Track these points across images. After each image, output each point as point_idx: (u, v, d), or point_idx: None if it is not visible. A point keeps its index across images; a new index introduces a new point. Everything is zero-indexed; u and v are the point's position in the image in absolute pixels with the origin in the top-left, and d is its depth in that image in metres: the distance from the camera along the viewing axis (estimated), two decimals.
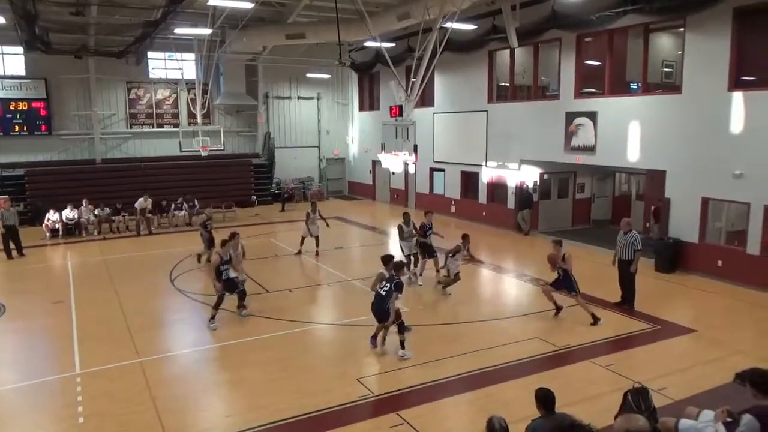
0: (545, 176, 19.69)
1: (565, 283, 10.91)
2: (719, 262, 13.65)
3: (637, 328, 10.53)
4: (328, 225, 17.38)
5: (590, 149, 16.79)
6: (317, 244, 16.66)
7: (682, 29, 14.45)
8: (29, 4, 15.67)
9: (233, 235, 12.19)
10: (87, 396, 8.03)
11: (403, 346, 9.26)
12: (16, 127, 23.95)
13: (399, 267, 9.64)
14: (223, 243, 11.49)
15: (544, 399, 5.03)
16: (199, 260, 15.60)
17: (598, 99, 16.89)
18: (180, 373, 8.96)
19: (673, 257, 14.38)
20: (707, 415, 5.17)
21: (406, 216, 14.27)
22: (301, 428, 7.23)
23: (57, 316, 11.58)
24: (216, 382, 8.65)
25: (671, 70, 17.52)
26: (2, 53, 23.68)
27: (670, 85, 16.78)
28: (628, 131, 15.69)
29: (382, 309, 9.23)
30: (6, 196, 20.45)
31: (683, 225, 14.44)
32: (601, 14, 15.34)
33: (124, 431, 7.12)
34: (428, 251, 13.82)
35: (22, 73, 24.08)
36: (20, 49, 22.82)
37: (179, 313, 12.02)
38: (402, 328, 9.36)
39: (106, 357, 9.35)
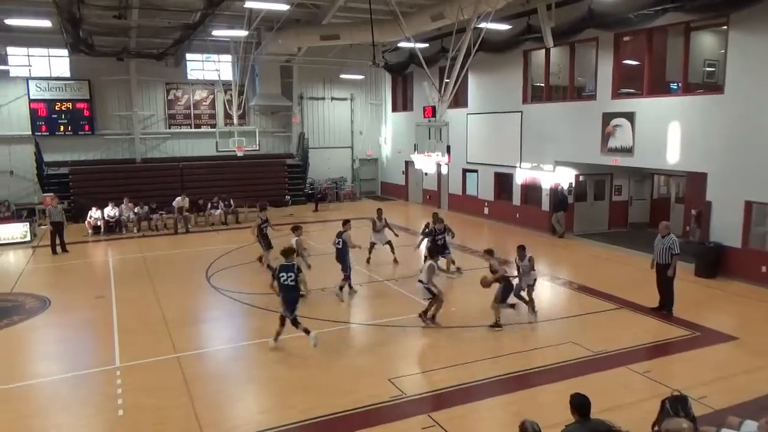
0: (581, 178, 19.37)
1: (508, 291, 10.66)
2: (763, 268, 13.21)
3: (675, 335, 10.26)
4: (396, 235, 16.37)
5: (628, 151, 16.45)
6: (392, 251, 15.67)
7: (725, 27, 14.02)
8: (74, 8, 16.21)
9: (297, 228, 12.87)
10: (126, 389, 8.27)
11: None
12: (61, 127, 24.80)
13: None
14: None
15: (580, 404, 4.95)
16: (260, 261, 15.27)
17: (637, 99, 16.53)
18: (215, 369, 9.14)
19: (714, 262, 13.97)
20: (750, 425, 5.03)
21: (379, 211, 15.96)
22: (333, 427, 7.29)
23: (98, 310, 11.95)
24: (249, 379, 8.79)
25: (713, 69, 17.03)
26: (49, 56, 24.53)
27: (712, 84, 16.31)
28: (668, 132, 15.31)
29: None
30: (52, 194, 21.23)
31: (725, 229, 14.02)
32: (640, 13, 15.00)
33: (162, 424, 7.30)
34: (439, 251, 13.71)
35: (67, 74, 24.91)
36: (65, 52, 23.64)
37: (214, 311, 12.25)
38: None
39: (145, 351, 9.61)
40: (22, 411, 7.77)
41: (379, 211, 16.17)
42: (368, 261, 15.66)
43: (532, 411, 7.49)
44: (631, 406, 7.52)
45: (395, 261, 15.70)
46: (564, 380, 8.25)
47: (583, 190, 19.58)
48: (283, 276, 9.45)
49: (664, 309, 11.26)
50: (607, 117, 17.00)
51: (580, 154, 18.21)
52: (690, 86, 15.70)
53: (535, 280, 11.62)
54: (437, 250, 13.63)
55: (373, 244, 15.84)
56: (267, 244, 15.02)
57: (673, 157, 15.31)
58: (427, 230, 14.78)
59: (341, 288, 12.63)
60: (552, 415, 6.37)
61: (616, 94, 17.07)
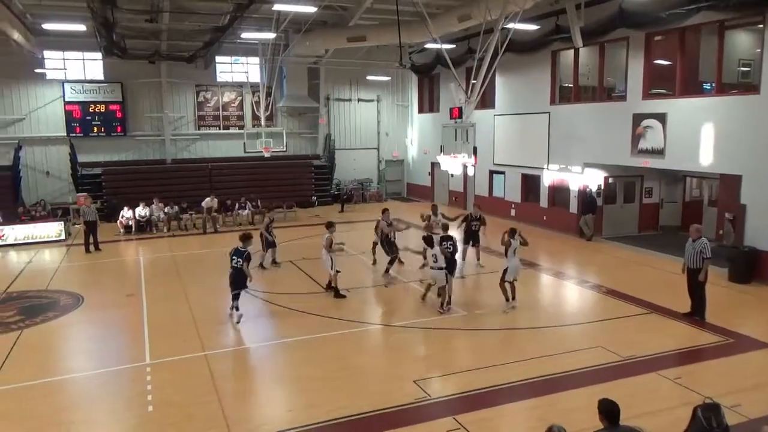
0: (610, 180, 19.06)
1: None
2: None
3: (708, 341, 10.02)
4: (399, 229, 15.60)
5: (659, 152, 16.13)
6: (374, 250, 15.71)
7: (761, 26, 13.66)
8: (108, 12, 16.61)
9: (331, 225, 13.34)
10: (156, 386, 8.43)
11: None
12: (95, 129, 25.44)
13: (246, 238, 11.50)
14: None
15: (609, 411, 4.87)
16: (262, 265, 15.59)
17: (668, 100, 16.20)
18: (242, 367, 9.27)
19: (748, 267, 13.60)
20: None
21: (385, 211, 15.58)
22: (358, 428, 7.31)
23: (129, 308, 12.21)
24: (276, 378, 8.88)
25: (748, 69, 16.58)
26: (83, 59, 25.19)
27: (748, 85, 15.87)
28: (701, 133, 14.97)
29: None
30: (86, 194, 21.79)
31: (760, 233, 13.65)
32: (673, 12, 14.72)
33: (190, 421, 7.42)
34: (473, 237, 15.12)
35: (101, 77, 25.55)
36: (99, 55, 24.24)
37: (242, 309, 12.34)
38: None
39: (174, 349, 9.78)
40: (58, 404, 8.00)
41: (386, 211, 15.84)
42: (374, 263, 15.67)
43: (558, 416, 7.40)
44: (661, 413, 7.37)
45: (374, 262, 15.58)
46: (592, 385, 8.13)
47: (612, 192, 19.26)
48: (234, 259, 11.05)
49: (695, 314, 11.01)
50: (638, 118, 16.70)
51: (609, 155, 17.93)
52: (724, 86, 15.31)
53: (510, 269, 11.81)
54: (471, 236, 14.47)
55: (375, 243, 15.72)
56: (269, 244, 15.49)
57: (706, 158, 14.96)
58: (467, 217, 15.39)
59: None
60: (579, 421, 6.29)
61: (647, 95, 16.76)
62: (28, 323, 11.34)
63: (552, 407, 7.66)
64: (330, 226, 13.27)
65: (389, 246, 14.65)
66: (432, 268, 11.59)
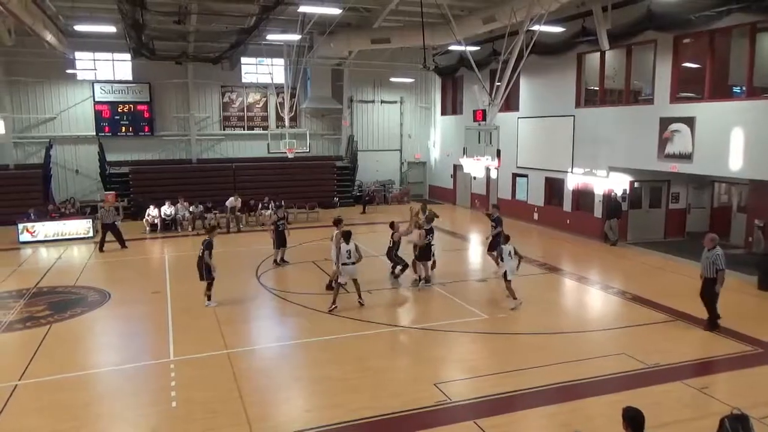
0: (636, 184, 18.78)
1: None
2: None
3: (736, 350, 9.80)
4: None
5: (687, 157, 15.85)
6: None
7: None
8: (138, 14, 16.93)
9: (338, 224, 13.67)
10: (179, 382, 8.56)
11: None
12: (123, 128, 25.94)
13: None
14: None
15: (633, 419, 4.79)
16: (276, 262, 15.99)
17: (697, 104, 15.90)
18: (263, 366, 9.34)
19: None
20: None
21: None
22: (378, 430, 7.33)
23: (154, 305, 12.42)
24: (297, 378, 8.93)
25: None
26: (113, 60, 25.71)
27: None
28: (730, 138, 14.66)
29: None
30: (113, 192, 22.22)
31: None
32: (702, 14, 14.47)
33: (213, 418, 7.52)
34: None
35: (130, 78, 26.03)
36: (128, 56, 24.71)
37: (263, 309, 12.53)
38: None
39: (197, 346, 9.92)
40: (85, 398, 8.18)
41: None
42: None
43: (581, 423, 7.34)
44: (687, 423, 7.25)
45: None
46: (615, 392, 8.03)
47: (637, 196, 18.97)
48: (201, 248, 12.02)
49: (715, 327, 10.69)
50: (665, 122, 16.43)
51: (635, 159, 17.67)
52: (755, 90, 14.99)
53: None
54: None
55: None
56: (280, 242, 15.78)
57: (735, 164, 14.65)
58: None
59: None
60: (602, 428, 6.23)
61: (675, 99, 16.49)
62: (57, 318, 11.61)
63: (574, 414, 7.58)
64: (339, 223, 13.44)
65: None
66: (344, 264, 11.87)
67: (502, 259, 12.24)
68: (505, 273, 12.08)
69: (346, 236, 12.10)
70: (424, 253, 13.53)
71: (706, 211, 19.56)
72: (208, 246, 12.09)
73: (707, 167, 15.65)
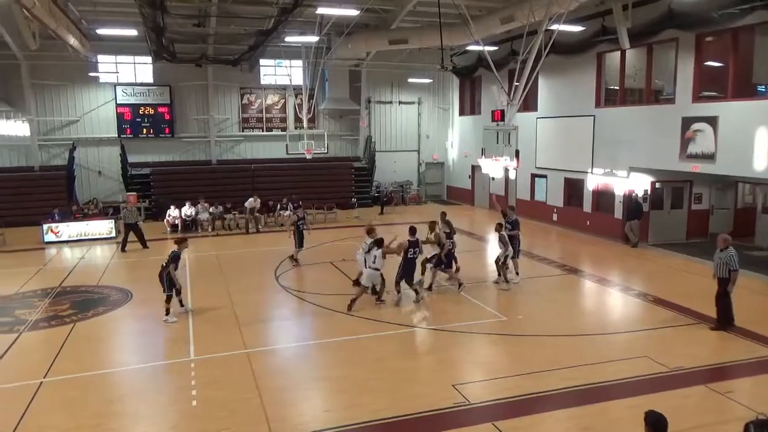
0: (657, 185, 18.52)
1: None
2: None
3: (761, 354, 9.60)
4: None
5: (709, 157, 15.58)
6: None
7: None
8: (159, 18, 17.16)
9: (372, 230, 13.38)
10: (199, 381, 8.65)
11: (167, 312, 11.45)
12: (144, 130, 26.30)
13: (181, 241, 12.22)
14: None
15: (656, 423, 4.72)
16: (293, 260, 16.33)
17: (720, 103, 15.63)
18: (283, 366, 9.40)
19: None
20: None
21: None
22: (396, 430, 7.33)
23: (175, 304, 12.48)
24: (316, 378, 8.97)
25: None
26: (134, 63, 26.08)
27: None
28: (755, 137, 14.38)
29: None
30: (134, 193, 22.54)
31: None
32: (725, 12, 14.22)
33: (232, 417, 7.58)
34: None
35: (151, 80, 26.38)
36: (149, 59, 25.04)
37: (282, 309, 12.59)
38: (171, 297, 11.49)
39: (217, 346, 10.01)
40: (108, 396, 8.31)
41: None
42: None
43: (602, 426, 7.27)
44: (710, 428, 7.13)
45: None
46: (637, 396, 7.91)
47: (659, 197, 18.71)
48: (166, 260, 11.59)
49: (723, 328, 10.55)
50: (687, 121, 16.18)
51: (656, 160, 17.43)
52: None
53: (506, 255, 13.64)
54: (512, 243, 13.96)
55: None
56: (299, 242, 16.04)
57: (760, 164, 14.36)
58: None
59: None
60: None
61: (697, 98, 16.23)
62: (81, 317, 11.81)
63: (596, 417, 7.50)
64: (371, 232, 13.15)
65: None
66: (370, 268, 12.01)
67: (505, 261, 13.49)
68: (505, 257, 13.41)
69: (379, 243, 12.16)
70: (446, 260, 13.41)
71: (730, 212, 19.23)
72: (175, 258, 11.49)
73: (731, 167, 15.37)
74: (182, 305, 11.95)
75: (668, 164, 16.97)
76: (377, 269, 12.04)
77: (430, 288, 13.42)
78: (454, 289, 13.40)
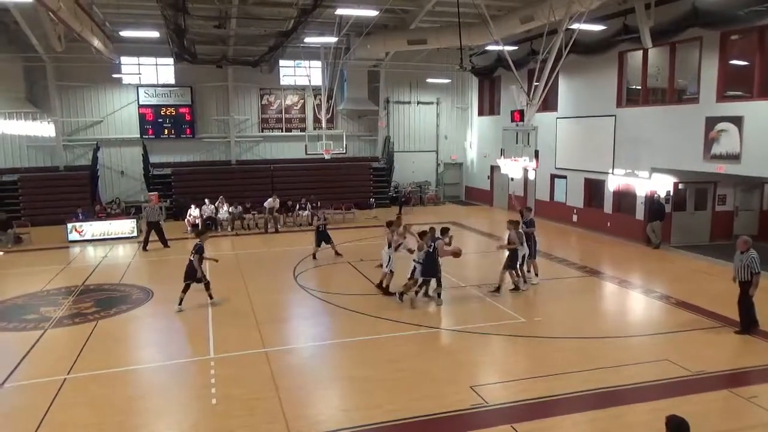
0: (680, 186, 18.24)
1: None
2: None
3: None
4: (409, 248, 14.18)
5: (734, 157, 15.30)
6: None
7: None
8: (180, 20, 17.38)
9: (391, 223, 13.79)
10: (219, 379, 8.74)
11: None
12: (166, 131, 26.64)
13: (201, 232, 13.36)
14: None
15: (678, 428, 4.65)
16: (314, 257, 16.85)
17: (745, 102, 15.34)
18: (301, 365, 9.45)
19: None
20: None
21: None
22: (414, 431, 7.32)
23: (195, 303, 12.67)
24: (333, 377, 9.01)
25: None
26: (156, 64, 26.44)
27: None
28: None
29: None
30: (156, 193, 22.84)
31: None
32: (751, 9, 13.95)
33: (251, 415, 7.65)
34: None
35: (172, 81, 26.72)
36: (171, 60, 25.37)
37: (301, 308, 12.67)
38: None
39: (236, 345, 10.11)
40: (130, 393, 8.45)
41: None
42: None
43: (622, 430, 7.18)
44: None
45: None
46: (658, 400, 7.81)
47: (682, 198, 18.42)
48: (192, 251, 12.29)
49: (747, 331, 10.35)
50: (711, 121, 15.91)
51: (679, 160, 17.16)
52: None
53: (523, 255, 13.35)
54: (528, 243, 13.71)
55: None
56: (319, 241, 16.66)
57: None
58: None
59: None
60: None
61: (722, 97, 15.94)
62: (104, 315, 12.02)
63: (615, 420, 7.42)
64: (391, 224, 13.56)
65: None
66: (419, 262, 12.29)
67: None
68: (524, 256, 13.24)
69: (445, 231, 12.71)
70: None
71: (755, 214, 18.87)
72: (199, 250, 12.25)
73: (756, 168, 15.06)
74: (211, 298, 12.50)
75: (692, 165, 16.69)
76: (420, 263, 12.24)
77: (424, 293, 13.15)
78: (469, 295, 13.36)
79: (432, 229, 12.69)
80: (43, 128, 21.99)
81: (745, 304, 10.37)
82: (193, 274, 12.25)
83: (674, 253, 17.45)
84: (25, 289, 14.02)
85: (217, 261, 13.30)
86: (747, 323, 10.40)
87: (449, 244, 12.76)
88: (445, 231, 12.91)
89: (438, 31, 21.51)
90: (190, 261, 12.29)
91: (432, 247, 12.18)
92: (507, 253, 13.21)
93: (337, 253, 17.02)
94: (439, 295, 12.46)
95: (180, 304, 12.14)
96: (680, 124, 16.99)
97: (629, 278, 14.74)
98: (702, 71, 16.41)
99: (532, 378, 8.67)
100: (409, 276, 12.55)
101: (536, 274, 14.04)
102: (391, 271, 13.02)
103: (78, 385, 8.65)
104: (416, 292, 12.70)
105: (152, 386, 8.82)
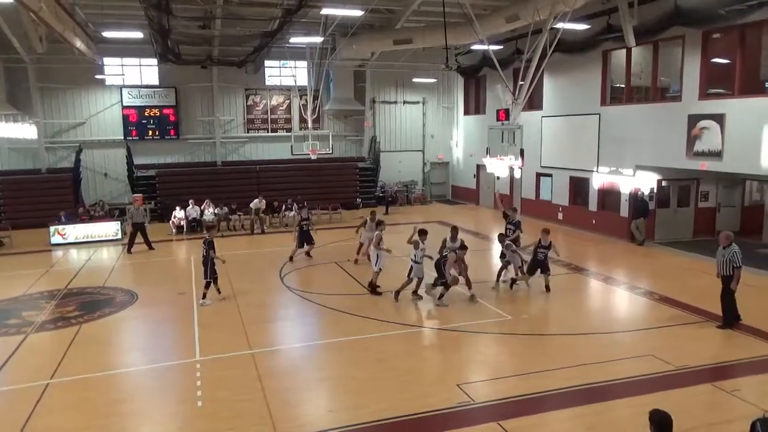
0: (663, 183, 18.43)
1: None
2: None
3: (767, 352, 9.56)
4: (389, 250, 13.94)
5: (716, 155, 15.49)
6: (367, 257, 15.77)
7: None
8: (164, 20, 17.22)
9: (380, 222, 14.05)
10: (205, 382, 8.67)
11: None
12: (150, 132, 26.38)
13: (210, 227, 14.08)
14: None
15: (661, 422, 4.70)
16: (308, 255, 16.88)
17: (727, 100, 15.54)
18: (287, 366, 9.41)
19: None
20: None
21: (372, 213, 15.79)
22: (401, 430, 7.32)
23: (181, 305, 12.60)
24: (320, 378, 8.97)
25: None
26: (140, 65, 26.18)
27: None
28: (763, 135, 14.28)
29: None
30: (140, 195, 22.61)
31: None
32: (732, 8, 14.13)
33: (237, 417, 7.59)
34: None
35: (156, 82, 26.48)
36: (155, 61, 25.12)
37: (287, 309, 12.62)
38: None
39: (222, 346, 10.03)
40: (115, 396, 8.34)
41: (373, 213, 16.50)
42: (356, 261, 16.19)
43: (607, 426, 7.25)
44: (716, 427, 7.09)
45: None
46: (642, 395, 7.87)
47: (665, 195, 18.62)
48: (204, 248, 12.57)
49: (729, 326, 10.48)
50: (694, 119, 16.09)
51: (662, 158, 17.34)
52: None
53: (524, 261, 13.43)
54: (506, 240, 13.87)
55: (361, 244, 16.22)
56: (300, 242, 16.54)
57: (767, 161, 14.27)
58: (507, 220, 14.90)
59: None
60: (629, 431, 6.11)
61: (704, 95, 16.13)
62: (87, 318, 11.87)
63: (600, 416, 7.47)
64: (379, 224, 13.73)
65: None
66: (417, 263, 12.43)
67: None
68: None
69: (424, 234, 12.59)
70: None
71: (737, 210, 19.12)
72: (212, 245, 12.58)
73: (738, 165, 15.27)
74: (219, 292, 12.80)
75: (675, 162, 16.88)
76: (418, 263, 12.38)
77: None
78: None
79: (455, 229, 13.19)
80: (25, 130, 21.69)
81: (728, 298, 10.50)
82: (206, 270, 12.53)
83: (658, 249, 17.63)
84: (7, 293, 13.80)
85: (224, 261, 13.02)
86: (729, 318, 10.54)
87: (462, 260, 12.58)
88: (463, 248, 12.69)
89: (424, 31, 21.53)
90: (204, 257, 12.55)
91: (444, 257, 12.32)
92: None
93: (308, 255, 16.89)
94: (441, 296, 12.36)
95: (204, 297, 12.57)
96: (663, 122, 17.17)
97: (614, 275, 14.86)
98: (684, 69, 16.60)
99: (518, 375, 8.71)
100: (407, 275, 12.56)
101: (523, 273, 14.04)
102: (380, 268, 13.05)
103: (61, 390, 8.53)
104: (414, 292, 12.69)
105: (137, 389, 8.73)
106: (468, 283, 12.58)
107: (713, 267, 10.88)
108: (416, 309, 12.25)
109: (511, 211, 15.09)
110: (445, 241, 13.08)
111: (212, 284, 12.62)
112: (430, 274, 12.69)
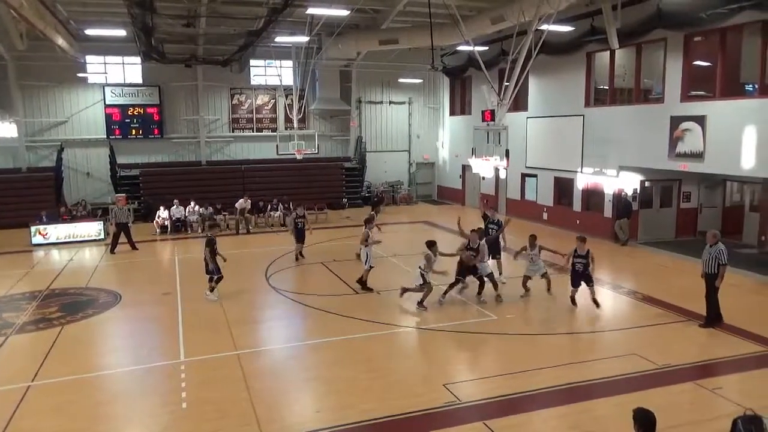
0: (646, 183, 18.65)
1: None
2: None
3: (749, 350, 9.69)
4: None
5: (698, 156, 15.71)
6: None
7: None
8: (148, 18, 17.04)
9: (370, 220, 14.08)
10: (190, 383, 8.60)
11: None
12: (133, 131, 26.12)
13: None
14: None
15: (644, 420, 4.74)
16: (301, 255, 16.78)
17: (708, 102, 15.77)
18: (273, 367, 9.37)
19: None
20: None
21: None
22: (387, 430, 7.32)
23: (165, 306, 12.49)
24: (306, 379, 8.94)
25: None
26: (123, 63, 25.90)
27: None
28: (743, 136, 14.52)
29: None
30: (123, 195, 22.36)
31: None
32: (713, 12, 14.34)
33: (222, 419, 7.54)
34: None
35: (140, 81, 26.21)
36: (138, 59, 24.87)
37: (273, 310, 12.55)
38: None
39: (207, 347, 9.96)
40: (97, 398, 8.24)
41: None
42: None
43: (591, 424, 7.31)
44: (699, 425, 7.18)
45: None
46: (626, 393, 7.96)
47: (648, 196, 18.85)
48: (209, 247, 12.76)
49: (711, 325, 10.64)
50: (676, 120, 16.31)
51: (645, 158, 17.55)
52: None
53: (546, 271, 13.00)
54: (492, 245, 13.70)
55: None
56: (297, 238, 16.50)
57: (748, 162, 14.50)
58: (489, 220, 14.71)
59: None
60: (613, 430, 6.18)
61: (686, 97, 16.36)
62: (69, 319, 11.70)
63: (584, 415, 7.54)
64: (368, 222, 13.75)
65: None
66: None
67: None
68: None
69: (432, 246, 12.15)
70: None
71: (718, 211, 19.39)
72: (215, 243, 12.85)
73: (719, 166, 15.52)
74: (211, 291, 12.96)
75: (657, 163, 17.10)
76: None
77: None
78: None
79: (480, 229, 13.30)
80: (5, 129, 21.36)
81: (712, 297, 10.63)
82: (207, 266, 12.75)
83: (641, 249, 17.83)
84: None
85: (225, 260, 13.03)
86: (713, 317, 10.68)
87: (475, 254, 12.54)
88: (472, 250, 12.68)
89: (409, 31, 21.57)
90: (211, 255, 12.71)
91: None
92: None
93: (300, 255, 16.70)
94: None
95: (212, 291, 12.86)
96: (646, 124, 17.38)
97: (598, 275, 14.92)
98: (667, 72, 16.82)
99: (504, 375, 8.75)
100: (420, 283, 12.05)
101: (500, 273, 14.03)
102: (370, 266, 13.06)
103: (43, 393, 8.40)
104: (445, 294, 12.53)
105: (120, 391, 8.62)
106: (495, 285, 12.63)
107: (696, 267, 11.04)
108: (402, 310, 12.25)
109: (490, 211, 15.08)
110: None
111: (210, 282, 12.84)
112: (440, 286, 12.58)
